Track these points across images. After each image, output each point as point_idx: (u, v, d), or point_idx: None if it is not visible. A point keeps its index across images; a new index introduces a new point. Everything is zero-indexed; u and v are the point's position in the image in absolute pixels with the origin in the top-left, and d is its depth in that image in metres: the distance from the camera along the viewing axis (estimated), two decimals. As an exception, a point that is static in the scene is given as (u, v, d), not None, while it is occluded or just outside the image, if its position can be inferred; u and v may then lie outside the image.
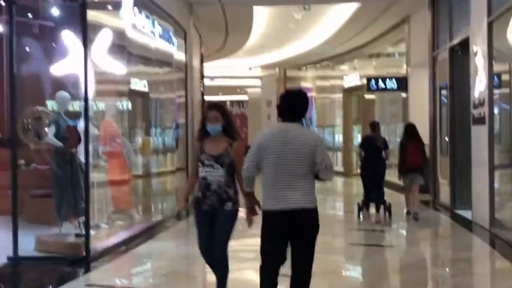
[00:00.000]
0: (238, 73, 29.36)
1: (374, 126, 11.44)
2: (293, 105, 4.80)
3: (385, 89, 15.92)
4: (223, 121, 5.56)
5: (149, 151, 12.40)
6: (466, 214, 11.09)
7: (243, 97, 38.38)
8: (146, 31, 10.81)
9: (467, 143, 11.19)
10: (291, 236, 4.67)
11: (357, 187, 14.92)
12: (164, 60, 12.19)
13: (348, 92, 22.96)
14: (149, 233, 9.77)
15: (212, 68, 27.72)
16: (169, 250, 8.82)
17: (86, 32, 7.95)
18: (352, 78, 22.05)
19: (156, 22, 11.31)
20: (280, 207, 4.63)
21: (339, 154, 23.64)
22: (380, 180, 11.10)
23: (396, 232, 10.64)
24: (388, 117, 18.97)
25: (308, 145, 4.67)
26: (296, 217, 4.60)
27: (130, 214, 10.36)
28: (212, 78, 29.39)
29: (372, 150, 11.01)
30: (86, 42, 7.96)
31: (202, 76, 17.90)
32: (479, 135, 10.38)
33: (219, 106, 5.67)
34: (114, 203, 9.79)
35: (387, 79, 15.99)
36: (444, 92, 13.10)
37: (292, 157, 4.64)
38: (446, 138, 12.91)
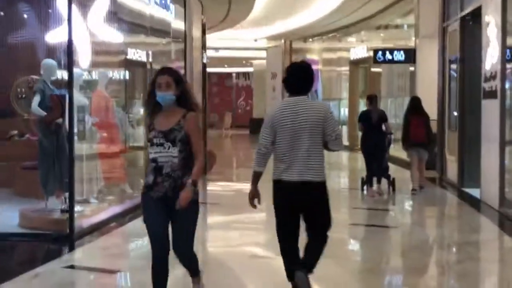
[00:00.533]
0: (243, 44, 28.74)
1: (371, 99, 11.28)
2: (300, 78, 4.89)
3: (392, 61, 15.34)
4: (176, 89, 4.52)
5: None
6: (474, 192, 10.60)
7: (249, 69, 37.87)
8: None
9: (477, 118, 10.67)
10: (304, 206, 4.81)
11: (362, 161, 14.53)
12: (160, 29, 11.65)
13: (355, 64, 22.36)
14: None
15: (217, 39, 27.15)
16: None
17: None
18: (359, 50, 21.44)
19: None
20: (294, 178, 4.73)
21: (345, 128, 23.11)
22: (381, 154, 10.93)
23: (400, 211, 10.17)
24: (395, 90, 18.43)
25: (319, 116, 4.76)
26: (309, 189, 4.73)
27: (123, 188, 9.91)
28: (216, 49, 28.83)
29: (369, 124, 10.87)
30: (70, 7, 7.43)
31: (204, 47, 17.32)
32: (489, 110, 9.86)
33: (172, 71, 4.67)
34: (105, 176, 9.34)
35: (395, 51, 15.40)
36: (453, 65, 12.54)
37: (304, 129, 4.73)
38: (455, 113, 12.38)
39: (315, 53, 26.19)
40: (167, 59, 13.07)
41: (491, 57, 9.75)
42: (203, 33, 17.45)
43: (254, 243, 7.66)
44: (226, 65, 40.16)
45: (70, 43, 7.38)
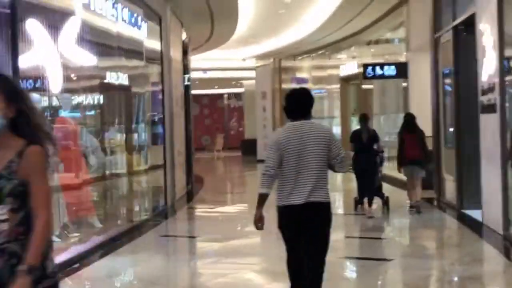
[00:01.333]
0: (232, 64, 28.04)
1: (361, 119, 11.20)
2: (302, 102, 4.97)
3: (383, 76, 14.59)
4: (8, 107, 2.87)
5: (120, 149, 11.17)
6: (475, 214, 9.78)
7: (240, 90, 37.13)
8: (104, 13, 9.48)
9: (475, 134, 9.90)
10: (308, 228, 4.78)
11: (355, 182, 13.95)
12: (130, 49, 10.87)
13: (346, 81, 21.64)
14: (111, 246, 8.46)
15: (204, 60, 26.48)
16: (128, 268, 7.52)
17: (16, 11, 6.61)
18: (349, 66, 20.71)
19: (119, 4, 9.99)
20: (301, 201, 4.73)
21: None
22: (371, 174, 10.76)
23: (396, 240, 9.20)
24: (388, 107, 17.68)
25: (323, 139, 4.81)
26: (315, 210, 4.76)
27: (91, 223, 9.07)
28: (204, 71, 28.13)
29: (360, 145, 10.78)
30: (15, 28, 6.62)
31: (186, 68, 16.57)
32: (488, 125, 9.08)
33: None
34: (69, 210, 8.51)
35: (385, 66, 14.66)
36: (448, 78, 11.77)
37: (310, 152, 4.78)
38: (451, 129, 11.59)
39: (304, 71, 25.49)
40: (145, 81, 12.33)
41: (487, 68, 8.99)
42: (185, 53, 16.73)
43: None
44: (216, 86, 39.48)
45: (14, 64, 6.53)
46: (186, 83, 17.04)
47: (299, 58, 25.50)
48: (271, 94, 26.90)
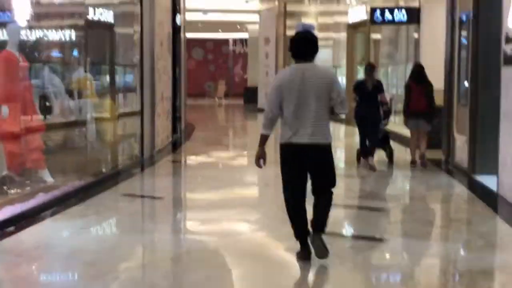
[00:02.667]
0: (234, 6, 26.35)
1: (366, 68, 10.76)
2: (307, 45, 5.05)
3: (393, 21, 13.08)
4: None
5: (90, 92, 9.88)
6: (489, 182, 8.46)
7: (246, 35, 35.47)
8: None
9: (494, 90, 8.52)
10: (311, 167, 5.02)
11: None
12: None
13: (353, 28, 20.04)
14: (58, 206, 7.16)
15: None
16: (65, 237, 6.17)
17: None
18: (357, 12, 19.07)
19: None
20: (303, 141, 4.93)
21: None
22: (375, 125, 10.33)
23: (394, 211, 7.57)
24: (397, 57, 16.21)
25: (325, 81, 4.98)
26: (315, 151, 4.96)
27: (41, 177, 7.79)
28: (205, 11, 26.54)
29: (362, 94, 10.30)
30: None
31: (176, 7, 15.04)
32: (512, 79, 7.68)
33: None
34: (10, 162, 7.24)
35: (395, 10, 13.14)
36: (465, 25, 10.27)
37: (312, 94, 4.93)
38: (466, 83, 10.17)
39: (311, 17, 23.85)
40: (132, 20, 10.98)
41: (515, 11, 7.54)
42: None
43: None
44: (220, 30, 37.81)
45: None
46: (178, 23, 15.58)
47: (306, 2, 23.85)
48: (275, 40, 25.33)
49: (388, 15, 12.97)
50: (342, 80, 21.03)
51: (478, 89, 9.58)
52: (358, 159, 10.70)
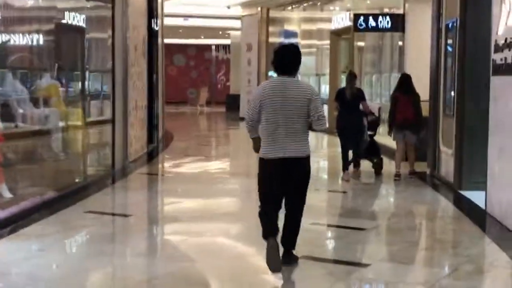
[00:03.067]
0: (216, 12, 25.84)
1: (347, 77, 10.58)
2: (289, 59, 5.18)
3: (377, 28, 12.64)
4: None
5: (57, 100, 9.34)
6: (476, 197, 8.04)
7: (228, 41, 34.99)
8: None
9: (481, 100, 8.12)
10: (286, 180, 5.12)
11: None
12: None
13: (336, 35, 19.61)
14: (13, 224, 6.61)
15: (185, 5, 24.40)
16: (17, 259, 5.62)
17: None
18: (340, 19, 18.64)
19: None
20: (279, 155, 5.06)
21: (325, 108, 20.44)
22: (355, 134, 10.09)
23: (377, 230, 7.06)
24: (381, 65, 15.78)
25: (304, 96, 5.07)
26: (292, 164, 5.07)
27: (-1, 192, 7.23)
28: (185, 17, 26.05)
29: (343, 103, 10.04)
30: None
31: (152, 11, 14.53)
32: (502, 89, 7.23)
33: None
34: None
35: (380, 17, 12.71)
36: (451, 32, 9.86)
37: (290, 108, 5.03)
38: (452, 93, 9.73)
39: (294, 23, 23.41)
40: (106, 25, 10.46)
41: (505, 18, 7.09)
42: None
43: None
44: (202, 36, 37.31)
45: None
46: (155, 28, 15.08)
47: (289, 8, 23.40)
48: (257, 47, 24.85)
49: (372, 22, 12.54)
50: (325, 88, 20.60)
51: (465, 99, 9.16)
52: (344, 172, 10.21)
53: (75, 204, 7.76)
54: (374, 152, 10.64)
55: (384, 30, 12.69)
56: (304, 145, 5.10)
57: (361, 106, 10.05)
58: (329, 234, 6.92)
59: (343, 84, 20.12)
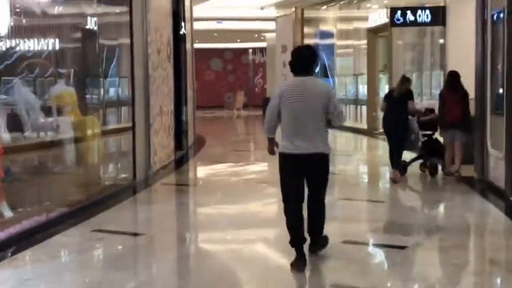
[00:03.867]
0: (250, 14, 25.11)
1: (399, 79, 10.12)
2: (306, 61, 5.34)
3: (415, 23, 11.75)
4: None
5: (72, 109, 8.75)
6: (532, 207, 7.13)
7: (264, 44, 34.26)
8: None
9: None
10: (308, 174, 5.32)
11: (384, 149, 12.10)
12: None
13: (374, 33, 18.71)
14: (14, 245, 5.98)
15: (218, 7, 23.75)
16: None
17: None
18: (377, 15, 17.75)
19: None
20: (299, 151, 5.21)
21: (364, 109, 19.55)
22: (399, 135, 9.76)
23: (417, 254, 6.04)
24: (422, 63, 14.86)
25: (322, 95, 5.27)
26: (313, 160, 5.24)
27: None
28: (219, 20, 25.41)
29: (391, 103, 9.80)
30: None
31: (178, 14, 13.89)
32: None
33: None
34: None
35: (418, 11, 11.80)
36: (498, 24, 8.95)
37: (310, 106, 5.22)
38: (501, 90, 8.82)
39: (330, 23, 22.55)
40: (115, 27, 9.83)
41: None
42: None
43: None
44: (238, 40, 36.66)
45: None
46: (182, 31, 14.45)
47: (324, 7, 22.56)
48: (293, 48, 24.02)
49: (410, 16, 11.65)
50: (363, 89, 19.72)
51: (516, 97, 8.25)
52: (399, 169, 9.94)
53: (83, 221, 7.06)
54: (434, 152, 10.19)
55: (424, 24, 11.79)
56: (323, 142, 5.29)
57: (409, 105, 9.70)
58: (364, 254, 6.06)
59: (382, 83, 19.39)
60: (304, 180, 5.33)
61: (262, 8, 23.82)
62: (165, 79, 11.84)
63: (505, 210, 7.69)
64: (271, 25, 26.55)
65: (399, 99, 9.69)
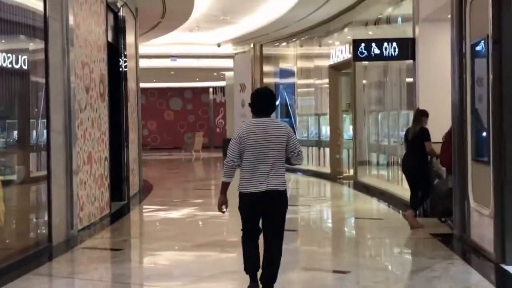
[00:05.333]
0: (207, 51, 23.77)
1: (414, 115, 9.61)
2: (265, 102, 5.59)
3: (381, 57, 10.39)
4: None
5: None
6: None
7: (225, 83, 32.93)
8: None
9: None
10: (266, 212, 5.58)
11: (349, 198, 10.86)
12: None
13: (336, 69, 17.43)
14: None
15: (173, 44, 22.41)
16: None
17: None
18: (339, 51, 16.48)
19: None
20: (259, 189, 5.48)
21: (327, 151, 18.13)
22: (415, 177, 9.31)
23: None
24: (389, 102, 13.56)
25: (282, 135, 5.55)
26: (272, 197, 5.51)
27: None
28: (173, 57, 24.03)
29: (406, 142, 9.49)
30: None
31: (116, 48, 12.41)
32: None
33: None
34: None
35: (385, 43, 10.47)
36: (479, 55, 7.62)
37: (271, 146, 5.51)
38: (484, 134, 7.44)
39: (290, 60, 21.27)
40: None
41: None
42: (119, 30, 12.73)
43: None
44: (197, 79, 35.29)
45: None
46: (122, 69, 12.95)
47: (284, 44, 21.31)
48: (251, 87, 22.70)
49: (375, 49, 10.30)
50: (326, 129, 18.34)
51: (505, 140, 6.87)
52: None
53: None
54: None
55: (391, 58, 10.45)
56: (283, 180, 5.57)
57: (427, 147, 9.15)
58: None
59: (345, 124, 18.07)
60: (260, 217, 5.59)
61: (218, 45, 22.48)
62: (96, 121, 10.27)
63: (495, 281, 6.22)
64: (230, 63, 25.24)
65: (412, 139, 9.23)
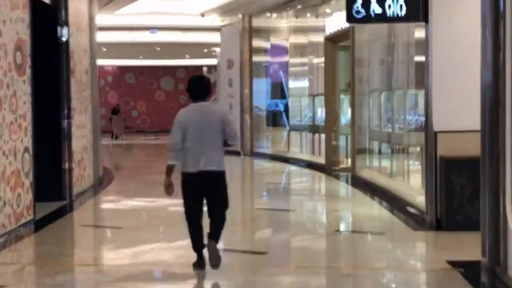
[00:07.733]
0: (188, 22, 21.19)
1: None
2: (201, 88, 6.05)
3: (384, 17, 7.74)
4: None
5: None
6: None
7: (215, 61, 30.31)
8: None
9: None
10: (207, 191, 5.94)
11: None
12: None
13: (332, 42, 14.85)
14: None
15: (149, 14, 19.91)
16: None
17: None
18: (337, 20, 13.85)
19: None
20: (199, 169, 5.85)
21: (322, 137, 15.61)
22: None
23: None
24: (394, 80, 11.05)
25: (219, 118, 5.99)
26: (207, 177, 5.88)
27: None
28: (153, 29, 21.51)
29: None
30: None
31: (52, 12, 9.87)
32: None
33: None
34: None
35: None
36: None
37: (210, 128, 5.88)
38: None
39: (282, 34, 18.67)
40: None
41: None
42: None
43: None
44: (187, 56, 32.66)
45: None
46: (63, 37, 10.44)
47: (275, 14, 18.71)
48: (239, 64, 20.16)
49: (375, 8, 7.68)
50: (321, 112, 15.79)
51: None
52: None
53: None
54: None
55: (395, 20, 7.82)
56: (221, 160, 5.99)
57: None
58: None
59: (344, 106, 15.61)
60: (203, 197, 5.95)
61: (202, 15, 19.90)
62: (8, 101, 7.80)
63: None
64: (213, 36, 22.59)
65: None
